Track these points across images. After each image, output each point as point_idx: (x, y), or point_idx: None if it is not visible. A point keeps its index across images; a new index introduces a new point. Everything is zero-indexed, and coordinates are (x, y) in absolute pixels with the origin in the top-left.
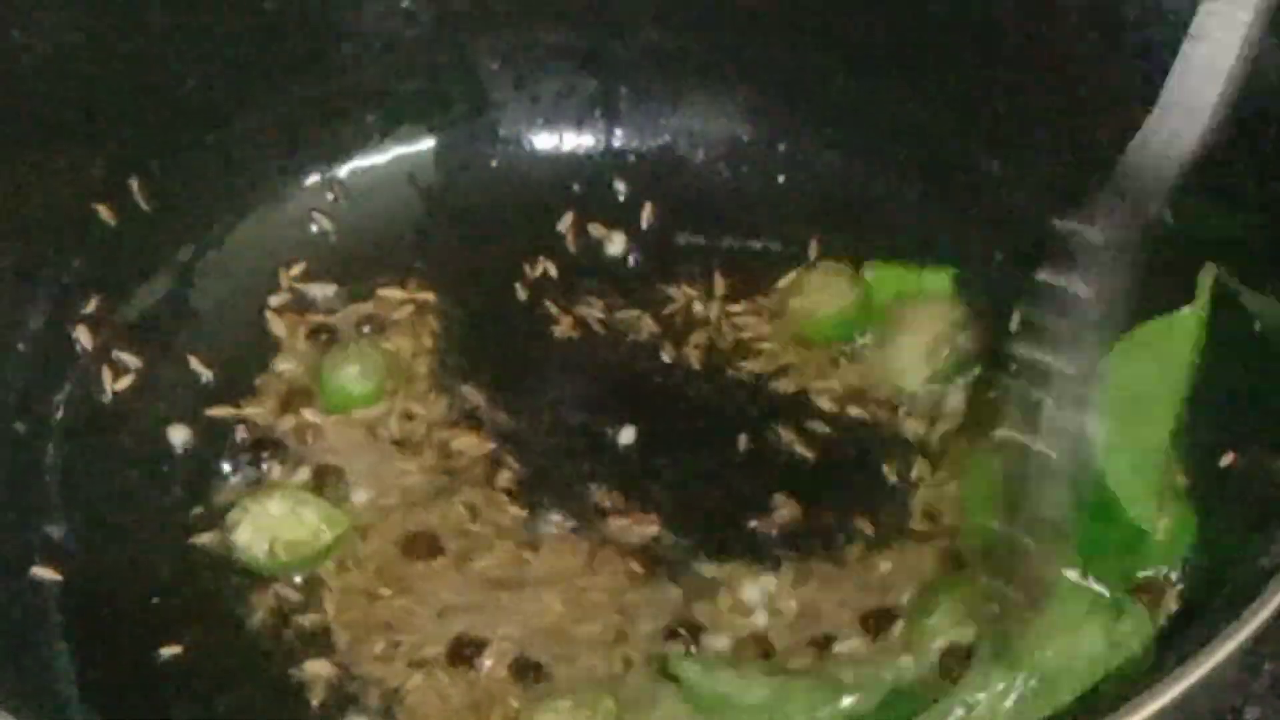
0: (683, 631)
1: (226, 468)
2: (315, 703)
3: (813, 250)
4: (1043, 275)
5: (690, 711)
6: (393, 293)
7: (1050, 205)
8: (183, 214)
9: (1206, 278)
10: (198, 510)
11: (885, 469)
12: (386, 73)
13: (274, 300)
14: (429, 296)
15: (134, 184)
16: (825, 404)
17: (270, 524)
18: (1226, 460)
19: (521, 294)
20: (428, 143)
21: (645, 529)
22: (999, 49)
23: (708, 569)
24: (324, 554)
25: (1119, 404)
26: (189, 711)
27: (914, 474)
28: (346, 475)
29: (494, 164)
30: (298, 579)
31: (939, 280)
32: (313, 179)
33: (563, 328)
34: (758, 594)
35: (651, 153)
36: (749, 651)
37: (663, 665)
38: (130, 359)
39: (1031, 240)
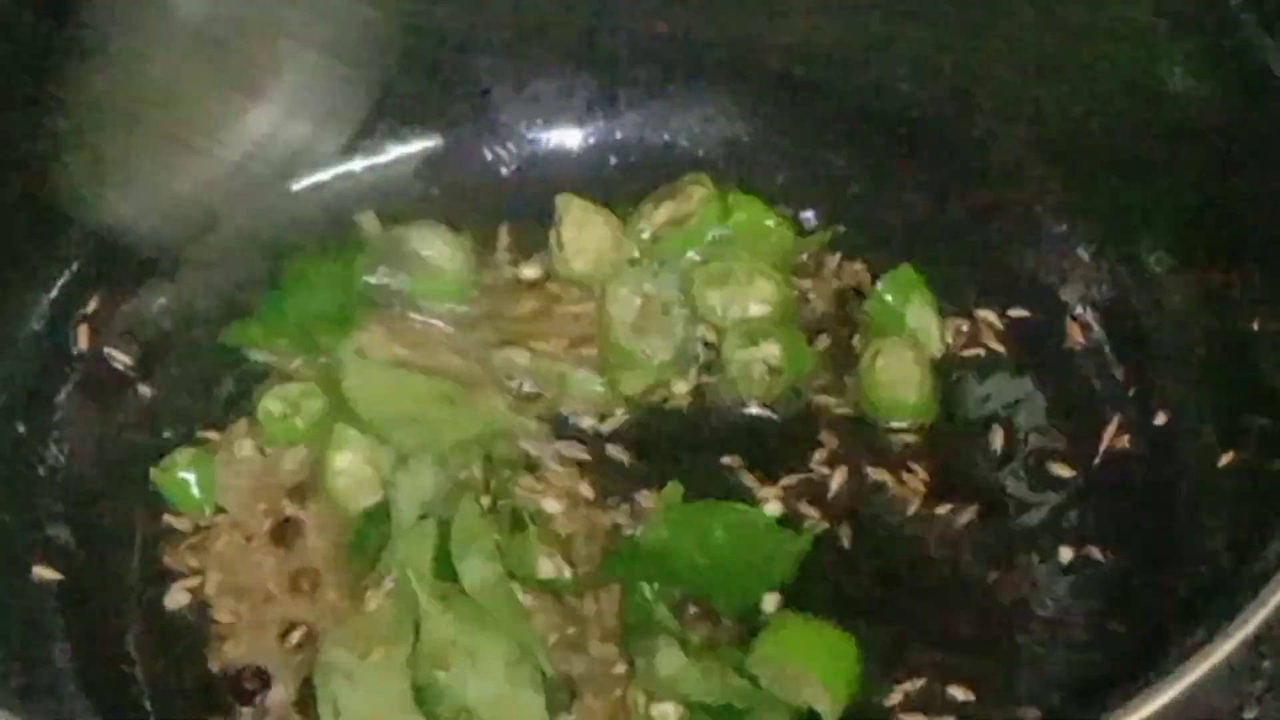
0: None
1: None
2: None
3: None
4: None
5: None
6: None
7: (1055, 201)
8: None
9: None
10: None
11: None
12: (387, 73)
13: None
14: None
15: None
16: None
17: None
18: (1226, 460)
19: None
20: (429, 143)
21: None
22: (998, 43)
23: None
24: None
25: None
26: (189, 711)
27: None
28: None
29: (495, 164)
30: None
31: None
32: (314, 179)
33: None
34: None
35: (652, 152)
36: None
37: None
38: (130, 359)
39: (1033, 237)
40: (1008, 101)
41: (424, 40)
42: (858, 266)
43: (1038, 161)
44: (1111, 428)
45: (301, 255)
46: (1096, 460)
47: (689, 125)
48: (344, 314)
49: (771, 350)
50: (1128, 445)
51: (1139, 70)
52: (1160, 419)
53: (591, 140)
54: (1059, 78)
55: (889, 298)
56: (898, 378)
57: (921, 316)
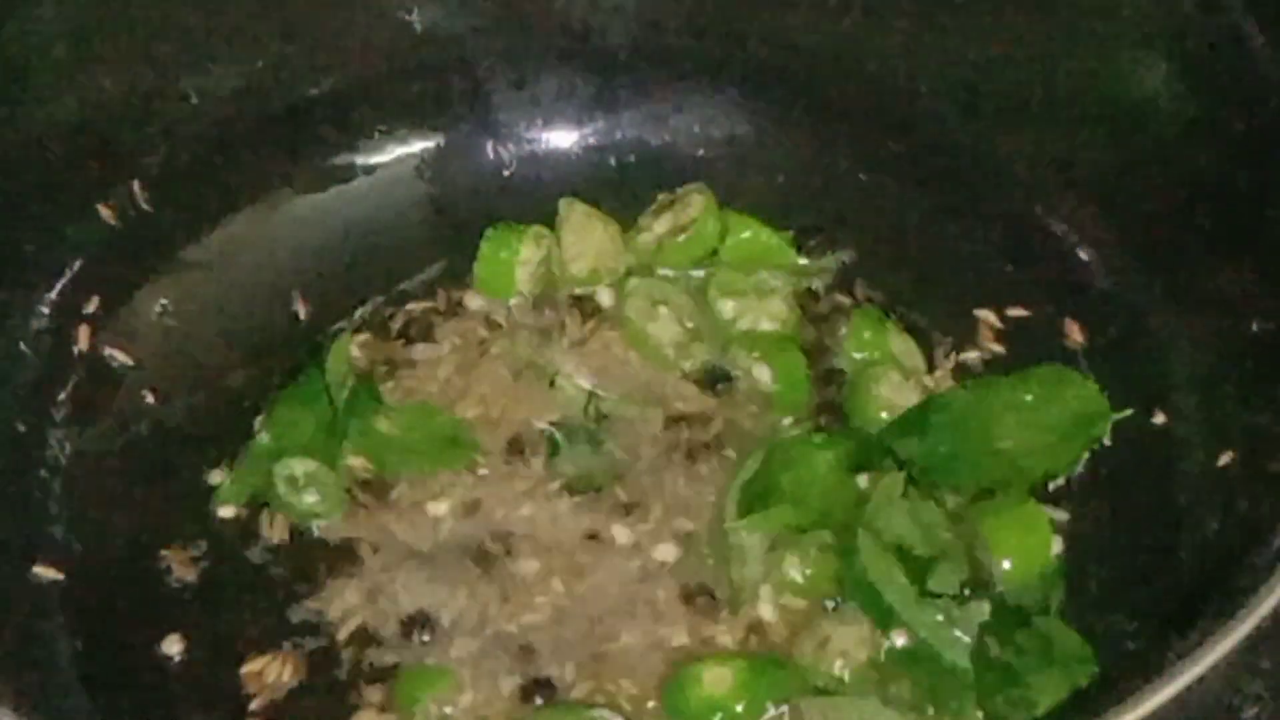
0: None
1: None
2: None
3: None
4: None
5: None
6: None
7: (1054, 201)
8: (183, 214)
9: None
10: (199, 510)
11: None
12: (388, 73)
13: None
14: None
15: (134, 184)
16: None
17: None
18: (1226, 460)
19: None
20: (429, 143)
21: None
22: (999, 34)
23: None
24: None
25: None
26: (189, 708)
27: None
28: None
29: (495, 164)
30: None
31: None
32: (314, 179)
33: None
34: None
35: (652, 152)
36: None
37: None
38: (130, 359)
39: (1033, 237)
40: (1007, 102)
41: (424, 40)
42: (840, 299)
43: (1037, 161)
44: (1110, 427)
45: (283, 393)
46: (1096, 460)
47: (689, 125)
48: (330, 442)
49: (763, 373)
50: (1128, 445)
51: (1138, 70)
52: (1160, 419)
53: (591, 140)
54: (1058, 79)
55: (866, 334)
56: (894, 402)
57: (903, 345)
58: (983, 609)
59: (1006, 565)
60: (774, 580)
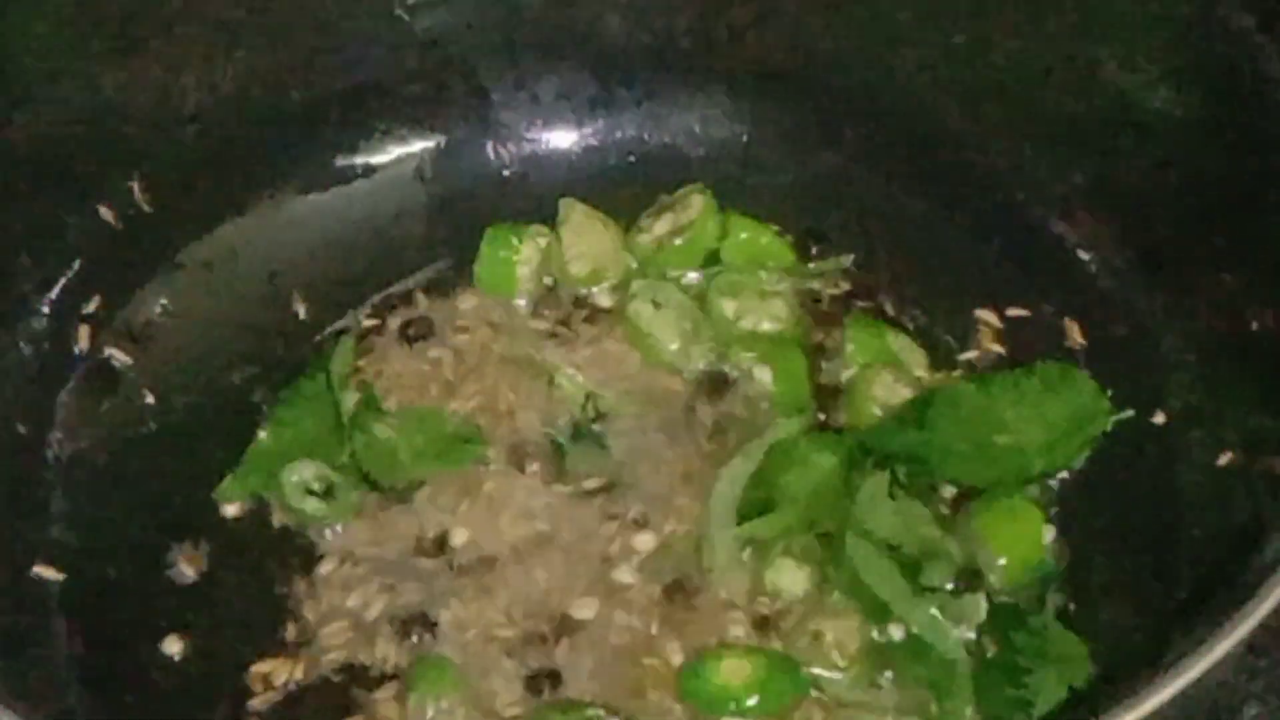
0: None
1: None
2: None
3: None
4: None
5: None
6: None
7: (1054, 201)
8: (183, 214)
9: None
10: (200, 510)
11: None
12: (388, 73)
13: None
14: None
15: (134, 184)
16: None
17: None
18: (1226, 460)
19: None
20: (429, 143)
21: None
22: (999, 35)
23: None
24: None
25: None
26: (189, 708)
27: None
28: None
29: (495, 164)
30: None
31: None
32: (314, 179)
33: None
34: None
35: (652, 152)
36: None
37: None
38: (130, 359)
39: (1033, 237)
40: (1008, 102)
41: (424, 40)
42: (840, 300)
43: (1037, 161)
44: (1110, 427)
45: (284, 393)
46: (1096, 459)
47: (689, 125)
48: (332, 443)
49: (764, 374)
50: (1127, 445)
51: (1138, 72)
52: (1160, 419)
53: (591, 140)
54: (1058, 81)
55: (866, 335)
56: (894, 403)
57: (903, 346)
58: (979, 604)
59: (1001, 561)
60: (769, 578)
